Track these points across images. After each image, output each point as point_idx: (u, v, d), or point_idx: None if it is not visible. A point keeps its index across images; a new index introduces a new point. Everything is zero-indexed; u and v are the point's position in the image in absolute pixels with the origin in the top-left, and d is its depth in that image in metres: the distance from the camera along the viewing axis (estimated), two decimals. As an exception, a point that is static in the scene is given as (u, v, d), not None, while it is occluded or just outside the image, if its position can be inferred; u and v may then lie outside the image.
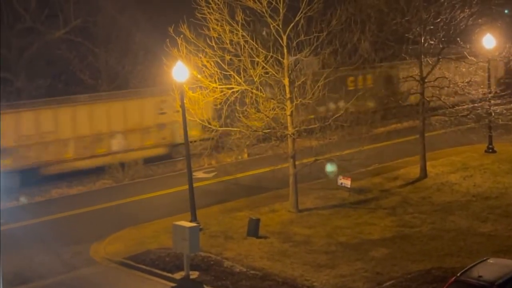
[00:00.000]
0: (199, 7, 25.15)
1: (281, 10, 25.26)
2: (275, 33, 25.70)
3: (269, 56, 25.54)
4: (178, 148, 36.01)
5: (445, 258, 21.38)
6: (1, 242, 23.41)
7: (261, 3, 25.10)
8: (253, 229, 24.05)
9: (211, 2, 25.03)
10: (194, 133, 29.02)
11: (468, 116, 31.27)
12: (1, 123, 31.08)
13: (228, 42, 25.18)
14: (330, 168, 28.69)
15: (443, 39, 30.76)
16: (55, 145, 33.20)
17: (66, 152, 33.59)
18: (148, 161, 35.29)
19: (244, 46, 25.20)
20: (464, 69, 32.13)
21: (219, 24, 25.11)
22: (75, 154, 33.71)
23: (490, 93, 33.52)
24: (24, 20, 43.86)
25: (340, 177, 28.41)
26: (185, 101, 24.57)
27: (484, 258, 17.72)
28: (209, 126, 26.03)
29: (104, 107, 34.86)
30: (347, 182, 28.23)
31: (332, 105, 35.98)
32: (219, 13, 25.11)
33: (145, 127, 35.92)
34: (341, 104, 32.66)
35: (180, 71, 23.90)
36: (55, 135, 33.20)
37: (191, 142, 25.65)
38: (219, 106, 26.03)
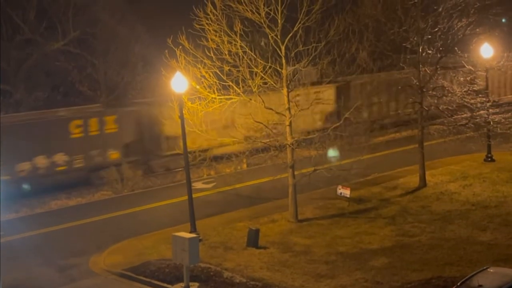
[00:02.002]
0: (197, 18, 25.23)
1: (279, 21, 25.34)
2: (273, 44, 25.78)
3: (267, 67, 25.59)
4: None
5: (445, 267, 21.36)
6: (1, 254, 23.43)
7: (259, 14, 25.18)
8: (253, 239, 24.04)
9: (210, 13, 25.11)
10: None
11: (467, 125, 31.31)
12: None
13: (226, 52, 25.24)
14: (332, 153, 28.76)
15: (441, 48, 30.83)
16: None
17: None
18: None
19: (243, 56, 25.26)
20: (462, 78, 32.18)
21: (218, 35, 25.18)
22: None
23: (488, 102, 33.59)
24: (23, 31, 43.98)
25: (339, 186, 28.44)
26: (184, 112, 24.59)
27: (484, 267, 17.71)
28: (207, 136, 26.06)
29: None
30: (346, 192, 28.26)
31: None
32: (218, 24, 25.18)
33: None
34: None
35: (179, 82, 23.93)
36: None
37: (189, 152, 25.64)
38: None
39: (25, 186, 32.28)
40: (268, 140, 26.15)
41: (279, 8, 25.06)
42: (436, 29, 30.42)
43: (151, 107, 36.24)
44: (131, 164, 35.06)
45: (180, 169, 34.52)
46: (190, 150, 30.88)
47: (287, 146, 26.23)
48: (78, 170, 33.44)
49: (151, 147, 35.76)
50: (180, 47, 24.92)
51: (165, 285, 21.21)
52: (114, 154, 34.52)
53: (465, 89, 31.65)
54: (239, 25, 25.08)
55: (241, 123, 27.55)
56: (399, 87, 35.35)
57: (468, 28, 31.18)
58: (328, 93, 41.15)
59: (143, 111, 35.99)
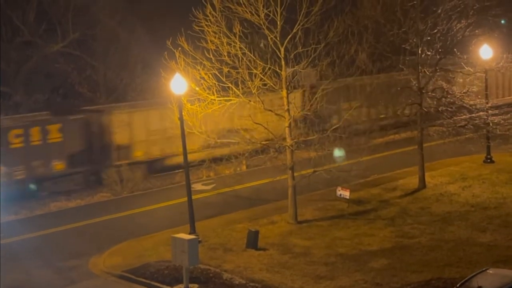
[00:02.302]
0: (196, 20, 25.23)
1: (278, 22, 25.36)
2: (272, 45, 25.79)
3: (267, 68, 25.59)
4: None
5: (444, 269, 21.36)
6: (1, 256, 23.45)
7: (258, 16, 25.19)
8: (252, 241, 24.03)
9: (209, 15, 25.11)
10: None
11: (466, 127, 31.31)
12: None
13: (226, 54, 25.25)
14: (338, 153, 28.78)
15: (440, 49, 30.85)
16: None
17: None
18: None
19: (242, 58, 25.27)
20: (461, 80, 32.20)
21: (217, 36, 25.19)
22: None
23: (487, 103, 33.60)
24: (23, 33, 44.04)
25: (339, 188, 28.45)
26: (183, 114, 24.61)
27: (484, 268, 17.70)
28: (208, 138, 26.07)
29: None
30: (346, 193, 28.26)
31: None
32: (217, 26, 25.19)
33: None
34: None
35: (178, 84, 23.94)
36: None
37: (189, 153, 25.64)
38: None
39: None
40: (267, 142, 26.15)
41: (278, 9, 25.07)
42: (435, 31, 30.44)
43: (101, 115, 34.84)
44: (79, 175, 33.47)
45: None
46: (138, 160, 30.87)
47: (287, 147, 26.23)
48: (18, 182, 31.33)
49: (101, 157, 34.23)
50: (180, 48, 24.92)
51: (164, 286, 21.20)
52: (58, 165, 32.67)
53: (464, 91, 31.68)
54: (239, 26, 25.09)
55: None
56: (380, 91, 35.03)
57: (467, 30, 31.20)
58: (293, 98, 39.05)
59: (91, 119, 34.36)
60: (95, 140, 34.26)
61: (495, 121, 32.24)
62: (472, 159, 35.62)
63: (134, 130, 35.12)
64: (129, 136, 35.04)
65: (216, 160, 29.17)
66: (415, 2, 30.23)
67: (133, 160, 34.94)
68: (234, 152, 27.09)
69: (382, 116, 42.84)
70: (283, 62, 25.79)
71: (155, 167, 35.76)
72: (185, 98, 25.09)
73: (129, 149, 35.00)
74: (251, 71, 25.42)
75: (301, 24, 25.40)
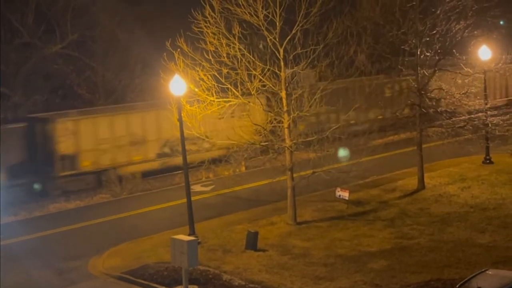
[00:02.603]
0: (196, 21, 25.23)
1: (277, 24, 25.36)
2: (272, 46, 25.78)
3: (266, 69, 25.60)
4: None
5: (443, 270, 21.36)
6: (0, 257, 23.44)
7: (257, 17, 25.19)
8: (252, 242, 24.03)
9: (208, 16, 25.11)
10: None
11: (465, 127, 31.31)
12: None
13: (225, 55, 25.24)
14: (342, 153, 28.80)
15: (439, 50, 30.87)
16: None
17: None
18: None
19: (241, 59, 25.27)
20: (460, 81, 32.21)
21: (216, 37, 25.19)
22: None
23: (486, 104, 33.62)
24: (22, 35, 44.00)
25: (338, 189, 28.45)
26: (182, 115, 24.60)
27: (483, 269, 17.69)
28: (207, 139, 26.07)
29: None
30: (345, 194, 28.26)
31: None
32: (216, 27, 25.19)
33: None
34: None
35: (177, 85, 23.94)
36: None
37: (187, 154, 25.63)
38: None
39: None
40: (266, 143, 26.15)
41: (277, 10, 25.07)
42: (434, 32, 30.46)
43: (44, 123, 33.30)
44: (20, 187, 31.82)
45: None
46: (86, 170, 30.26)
47: (286, 148, 26.23)
48: None
49: (44, 168, 32.81)
50: (179, 49, 24.91)
51: (163, 288, 21.22)
52: None
53: (463, 91, 31.69)
54: (238, 27, 25.08)
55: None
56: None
57: (466, 31, 31.22)
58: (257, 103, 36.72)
59: (34, 127, 32.98)
60: (37, 150, 32.76)
61: (494, 122, 32.27)
62: (471, 160, 35.63)
63: (81, 138, 33.80)
64: (75, 145, 33.51)
65: (215, 161, 29.19)
66: (414, 3, 30.25)
67: (80, 170, 33.68)
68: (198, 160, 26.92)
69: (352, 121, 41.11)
70: (282, 63, 25.80)
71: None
72: (185, 99, 25.08)
73: (75, 158, 33.49)
74: (250, 72, 25.42)
75: (300, 25, 25.40)
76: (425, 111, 31.10)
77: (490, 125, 32.26)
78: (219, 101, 25.61)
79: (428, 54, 30.75)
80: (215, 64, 25.20)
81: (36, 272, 22.95)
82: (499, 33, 43.11)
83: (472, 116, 31.91)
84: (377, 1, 32.15)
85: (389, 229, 25.83)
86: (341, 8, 28.70)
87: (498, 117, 32.63)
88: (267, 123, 26.11)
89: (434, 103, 31.47)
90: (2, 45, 42.78)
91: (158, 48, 28.94)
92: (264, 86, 25.74)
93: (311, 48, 25.54)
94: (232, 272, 21.97)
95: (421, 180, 31.29)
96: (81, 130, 33.81)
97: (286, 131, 26.25)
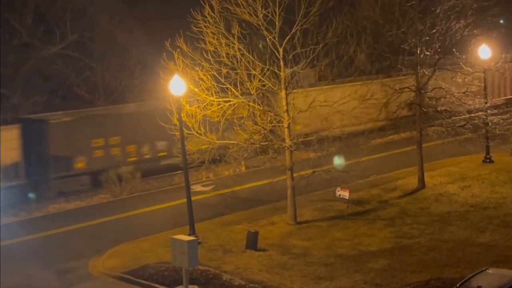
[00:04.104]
0: (195, 21, 25.21)
1: (277, 23, 25.33)
2: (271, 46, 25.77)
3: (265, 69, 25.59)
4: None
5: (444, 269, 21.34)
6: (0, 258, 23.41)
7: (257, 16, 25.18)
8: (252, 242, 24.02)
9: (207, 16, 25.10)
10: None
11: (465, 126, 31.28)
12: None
13: (224, 55, 25.23)
14: (337, 160, 28.79)
15: (439, 50, 30.85)
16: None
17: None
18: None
19: (241, 59, 25.26)
20: (460, 80, 32.19)
21: (216, 37, 25.17)
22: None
23: (486, 103, 33.59)
24: (21, 35, 43.99)
25: (338, 188, 28.42)
26: (182, 115, 24.59)
27: (483, 268, 17.68)
28: (206, 139, 26.04)
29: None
30: (345, 194, 28.22)
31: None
32: (215, 27, 25.17)
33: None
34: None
35: (177, 85, 23.93)
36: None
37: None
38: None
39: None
40: (266, 142, 26.14)
41: (276, 10, 25.06)
42: (434, 31, 30.43)
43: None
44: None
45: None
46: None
47: (286, 148, 26.21)
48: None
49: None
50: (178, 49, 24.89)
51: (164, 288, 21.21)
52: None
53: (463, 91, 31.67)
54: (237, 27, 25.07)
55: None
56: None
57: (466, 30, 31.20)
58: (9, 135, 32.00)
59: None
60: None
61: (494, 121, 32.23)
62: (471, 159, 35.61)
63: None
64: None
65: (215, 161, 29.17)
66: (413, 2, 30.23)
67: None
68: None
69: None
70: (282, 63, 25.79)
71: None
72: (184, 99, 25.07)
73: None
74: (250, 72, 25.40)
75: (299, 24, 25.39)
76: (425, 110, 31.09)
77: (490, 124, 32.22)
78: (219, 101, 25.60)
79: (428, 53, 30.73)
80: (214, 64, 25.19)
81: (36, 273, 22.92)
82: (499, 32, 43.14)
83: (472, 115, 31.88)
84: (377, 0, 32.13)
85: (389, 229, 25.82)
86: (341, 7, 28.69)
87: (498, 116, 32.57)
88: (267, 122, 26.09)
89: (434, 102, 31.45)
90: (1, 46, 42.76)
91: (157, 48, 28.92)
92: (263, 85, 25.73)
93: (311, 47, 25.52)
94: (232, 272, 21.96)
95: (421, 179, 31.27)
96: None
97: (286, 130, 26.24)
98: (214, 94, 25.35)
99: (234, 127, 26.03)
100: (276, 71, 25.89)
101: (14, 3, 43.28)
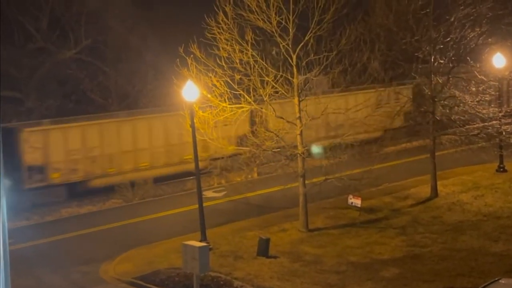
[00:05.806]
0: (209, 27, 25.27)
1: (290, 30, 25.35)
2: (284, 53, 25.77)
3: (278, 76, 25.60)
4: None
5: (456, 278, 21.23)
6: (11, 262, 23.43)
7: (270, 23, 25.19)
8: (263, 248, 23.97)
9: (221, 22, 25.14)
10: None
11: (479, 135, 31.16)
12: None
13: (238, 61, 25.25)
14: (315, 150, 28.67)
15: (453, 58, 30.75)
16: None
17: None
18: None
19: (254, 65, 25.27)
20: (474, 88, 32.06)
21: (229, 44, 25.21)
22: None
23: (500, 112, 33.43)
24: (35, 40, 44.22)
25: (350, 196, 28.34)
26: (195, 121, 24.61)
27: (496, 278, 17.55)
28: (220, 145, 26.06)
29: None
30: (357, 202, 28.13)
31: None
32: (229, 33, 25.21)
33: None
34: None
35: (190, 91, 23.95)
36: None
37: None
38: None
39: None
40: (278, 149, 26.12)
41: (290, 17, 25.07)
42: (448, 39, 30.34)
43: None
44: None
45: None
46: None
47: (298, 155, 26.17)
48: None
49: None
50: (192, 55, 24.96)
51: (175, 294, 21.19)
52: None
53: (477, 99, 31.54)
54: (251, 34, 25.10)
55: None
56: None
57: (481, 38, 31.08)
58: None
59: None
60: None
61: (508, 130, 32.09)
62: (484, 168, 35.43)
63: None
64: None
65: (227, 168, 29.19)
66: (428, 10, 30.15)
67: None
68: None
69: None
70: (295, 70, 25.78)
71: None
72: (197, 105, 25.10)
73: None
74: (263, 79, 25.42)
75: (313, 31, 25.38)
76: (438, 118, 30.98)
77: (504, 133, 32.08)
78: (232, 107, 25.62)
79: (441, 61, 30.63)
80: (227, 70, 25.22)
81: (47, 276, 22.99)
82: (513, 41, 42.84)
83: (486, 124, 31.72)
84: (391, 8, 31.99)
85: (401, 237, 25.71)
86: (354, 15, 28.65)
87: (512, 125, 32.45)
88: (280, 129, 26.07)
89: (447, 111, 31.34)
90: (16, 49, 42.98)
91: (170, 53, 28.96)
92: (276, 92, 25.73)
93: (324, 54, 25.52)
94: (243, 279, 21.92)
95: (434, 188, 31.13)
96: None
97: (298, 137, 26.20)
98: (227, 100, 25.37)
99: (247, 133, 26.02)
100: (289, 77, 25.89)
101: (29, 7, 43.50)
